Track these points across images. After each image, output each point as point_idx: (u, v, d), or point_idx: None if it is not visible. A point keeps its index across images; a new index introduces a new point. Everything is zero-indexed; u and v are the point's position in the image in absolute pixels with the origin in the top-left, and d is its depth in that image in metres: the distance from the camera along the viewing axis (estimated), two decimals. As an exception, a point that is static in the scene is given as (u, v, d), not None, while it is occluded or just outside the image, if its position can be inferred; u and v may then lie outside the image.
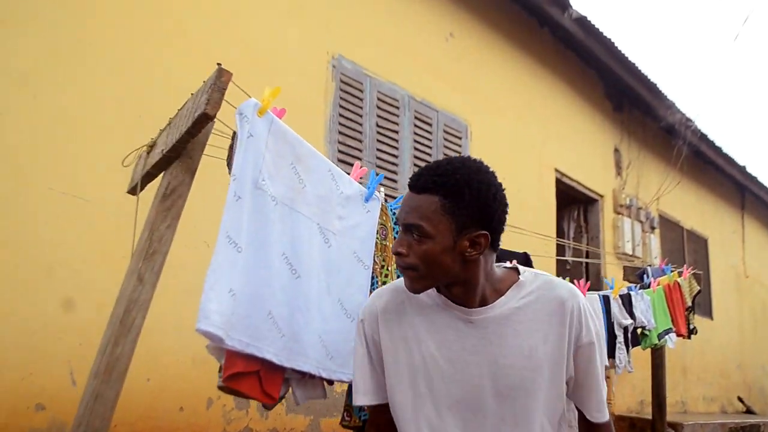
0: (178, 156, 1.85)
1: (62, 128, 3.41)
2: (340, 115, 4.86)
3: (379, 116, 5.17)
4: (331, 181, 2.12)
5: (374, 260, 2.30)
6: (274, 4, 4.57)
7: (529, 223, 5.27)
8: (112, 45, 3.65)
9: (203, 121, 1.73)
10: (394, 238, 2.46)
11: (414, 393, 1.62)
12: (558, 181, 7.33)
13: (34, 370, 3.16)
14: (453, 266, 1.53)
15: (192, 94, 1.94)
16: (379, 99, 5.18)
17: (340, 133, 4.84)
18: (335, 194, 2.13)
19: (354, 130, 4.95)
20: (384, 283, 2.35)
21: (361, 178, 2.38)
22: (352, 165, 4.82)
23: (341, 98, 4.89)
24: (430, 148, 5.61)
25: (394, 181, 5.21)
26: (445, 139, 5.77)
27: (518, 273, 1.67)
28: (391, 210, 2.51)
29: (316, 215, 2.05)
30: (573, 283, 3.75)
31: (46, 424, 3.15)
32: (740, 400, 11.06)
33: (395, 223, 2.49)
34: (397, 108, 5.34)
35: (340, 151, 4.81)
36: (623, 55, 7.63)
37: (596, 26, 7.01)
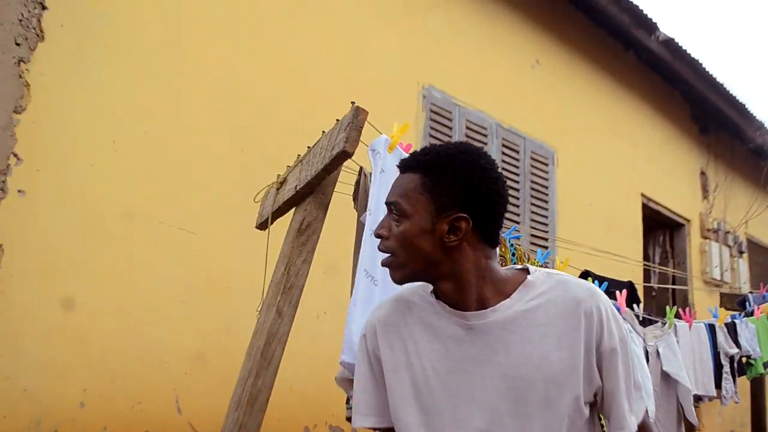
0: (311, 192, 1.91)
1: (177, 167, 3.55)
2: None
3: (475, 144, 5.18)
4: None
5: None
6: (367, 36, 4.67)
7: (615, 247, 5.20)
8: (215, 80, 3.79)
9: (341, 159, 1.79)
10: None
11: (420, 412, 1.45)
12: (644, 206, 7.21)
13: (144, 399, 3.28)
14: (433, 253, 1.39)
15: (324, 131, 2.01)
16: (467, 128, 5.21)
17: (431, 162, 4.87)
18: None
19: (444, 159, 4.98)
20: None
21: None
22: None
23: (431, 128, 4.93)
24: (518, 175, 5.59)
25: (483, 209, 5.21)
26: (533, 166, 5.75)
27: (528, 273, 1.48)
28: (509, 241, 2.51)
29: None
30: (679, 313, 3.71)
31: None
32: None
33: (513, 255, 2.50)
34: (485, 136, 5.35)
35: (430, 180, 4.84)
36: (710, 75, 7.47)
37: (683, 47, 6.89)
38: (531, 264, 2.51)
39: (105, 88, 3.35)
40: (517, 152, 5.65)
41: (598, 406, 1.45)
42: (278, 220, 2.27)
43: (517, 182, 5.56)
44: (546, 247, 5.59)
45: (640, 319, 3.33)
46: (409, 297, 1.52)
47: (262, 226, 2.27)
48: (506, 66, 5.75)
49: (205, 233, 3.57)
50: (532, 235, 5.59)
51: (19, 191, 2.98)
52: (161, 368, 3.34)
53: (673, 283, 7.71)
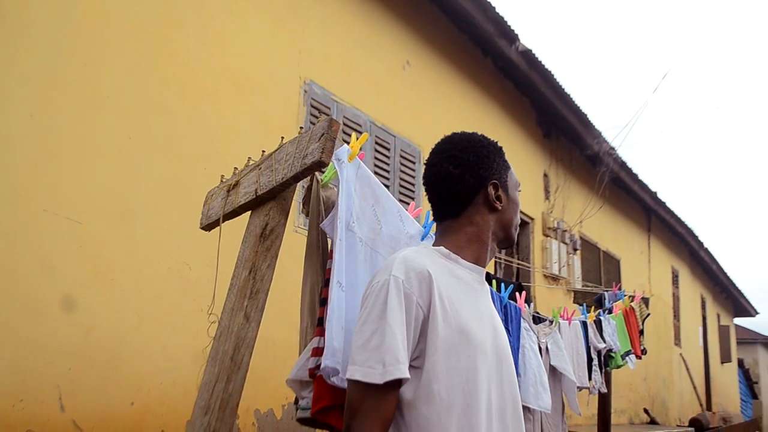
0: (273, 197, 1.94)
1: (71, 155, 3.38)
2: (310, 139, 4.95)
3: (345, 141, 5.27)
4: (399, 222, 2.20)
5: None
6: (252, 31, 4.65)
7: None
8: (112, 80, 3.65)
9: (314, 168, 1.84)
10: None
11: (479, 361, 1.48)
12: (496, 205, 7.62)
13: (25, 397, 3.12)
14: None
15: (282, 137, 2.04)
16: (344, 124, 5.31)
17: (310, 156, 4.93)
18: (403, 234, 2.20)
19: (322, 154, 5.06)
20: None
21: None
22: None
23: (311, 122, 4.99)
24: (388, 172, 5.78)
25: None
26: (402, 164, 5.96)
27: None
28: None
29: (389, 255, 2.15)
30: (558, 313, 4.03)
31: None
32: (646, 411, 11.76)
33: None
34: (360, 132, 5.48)
35: (309, 175, 4.90)
36: (559, 85, 8.06)
37: (538, 59, 7.39)
38: None
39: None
40: (388, 150, 5.83)
41: None
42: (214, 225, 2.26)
43: (387, 179, 5.74)
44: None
45: (531, 318, 3.60)
46: (427, 252, 1.59)
47: (209, 227, 2.25)
48: (380, 65, 5.91)
49: (91, 222, 3.43)
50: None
51: None
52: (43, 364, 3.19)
53: (518, 278, 8.25)
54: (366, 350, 1.40)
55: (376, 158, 5.64)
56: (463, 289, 1.55)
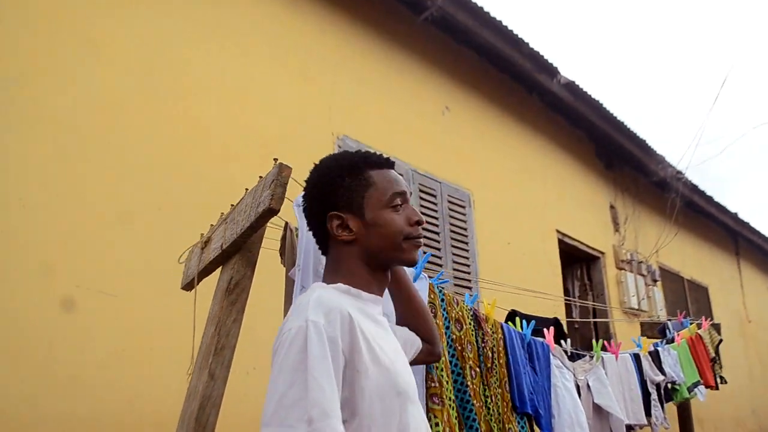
0: (238, 250, 1.90)
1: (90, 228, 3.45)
2: (349, 194, 4.93)
3: (386, 192, 5.24)
4: None
5: None
6: (280, 92, 4.71)
7: (536, 284, 5.32)
8: (131, 142, 3.74)
9: (267, 216, 1.79)
10: (443, 315, 2.48)
11: (402, 398, 1.37)
12: (560, 242, 7.42)
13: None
14: None
15: (246, 189, 2.00)
16: (384, 175, 5.28)
17: (351, 211, 4.90)
18: None
19: (363, 207, 5.02)
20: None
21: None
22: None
23: (349, 177, 4.97)
24: (437, 218, 5.68)
25: (405, 254, 5.25)
26: (450, 209, 5.86)
27: None
28: (437, 287, 2.53)
29: None
30: (605, 345, 3.79)
31: None
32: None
33: (442, 300, 2.52)
34: (402, 182, 5.43)
35: (351, 229, 4.86)
36: (611, 114, 7.84)
37: (583, 89, 7.23)
38: (459, 308, 2.55)
39: (15, 152, 3.26)
40: (435, 196, 5.75)
41: None
42: (204, 279, 2.23)
43: (436, 225, 5.65)
44: (470, 288, 5.68)
45: (569, 354, 3.39)
46: (333, 290, 1.45)
47: (188, 286, 2.22)
48: (417, 113, 5.89)
49: (126, 295, 3.46)
50: (456, 278, 5.66)
51: None
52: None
53: (594, 316, 7.91)
54: (282, 407, 1.20)
55: (422, 205, 5.56)
56: (374, 325, 1.43)
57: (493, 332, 2.81)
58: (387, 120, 5.55)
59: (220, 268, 1.98)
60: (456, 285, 5.62)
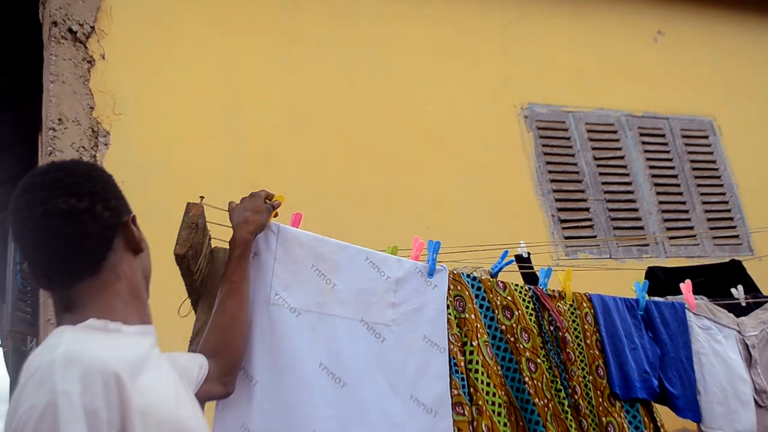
0: (199, 297, 1.81)
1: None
2: (548, 163, 4.53)
3: (594, 148, 4.72)
4: (372, 270, 1.95)
5: (449, 339, 2.01)
6: (448, 70, 4.52)
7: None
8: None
9: (178, 262, 1.63)
10: (478, 307, 2.14)
11: None
12: None
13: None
14: None
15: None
16: (588, 131, 4.76)
17: (553, 181, 4.50)
18: (380, 282, 1.95)
19: (568, 173, 4.58)
20: (469, 362, 2.01)
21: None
22: (574, 211, 4.45)
23: (543, 145, 4.57)
24: (671, 160, 4.96)
25: (635, 210, 4.65)
26: (687, 144, 5.06)
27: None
28: (466, 275, 2.20)
29: (359, 311, 1.89)
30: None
31: None
32: None
33: (479, 288, 2.18)
34: (615, 132, 4.84)
35: (558, 200, 4.45)
36: None
37: None
38: (507, 292, 2.21)
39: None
40: (663, 136, 5.03)
41: None
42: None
43: (672, 168, 4.93)
44: (737, 236, 4.83)
45: (743, 305, 2.63)
46: (82, 335, 1.09)
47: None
48: (620, 49, 5.20)
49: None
50: (711, 228, 4.84)
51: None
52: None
53: None
54: None
55: (647, 151, 4.89)
56: (152, 370, 1.10)
57: (574, 309, 2.38)
58: (577, 72, 4.98)
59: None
60: (714, 239, 4.82)
